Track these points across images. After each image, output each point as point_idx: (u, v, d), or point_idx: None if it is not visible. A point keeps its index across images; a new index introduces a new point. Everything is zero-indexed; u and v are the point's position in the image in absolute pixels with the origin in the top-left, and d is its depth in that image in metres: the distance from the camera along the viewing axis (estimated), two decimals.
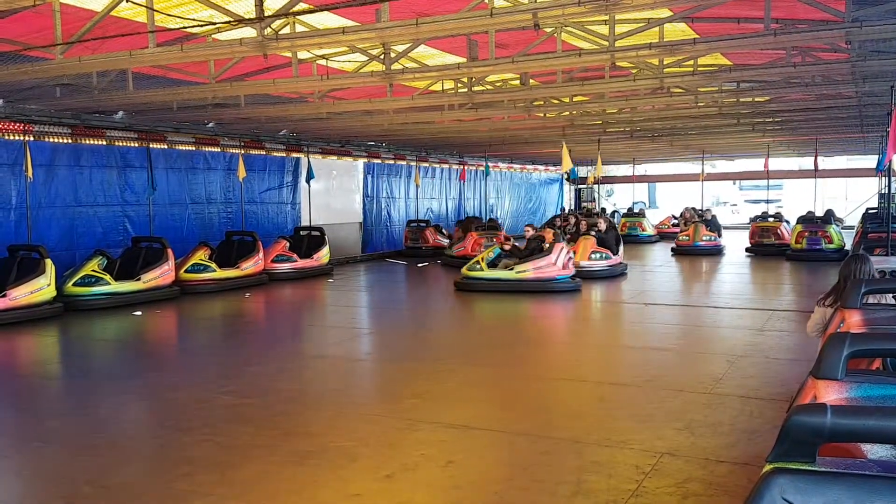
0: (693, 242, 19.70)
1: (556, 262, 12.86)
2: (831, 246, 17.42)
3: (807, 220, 18.43)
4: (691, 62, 10.09)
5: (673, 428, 5.19)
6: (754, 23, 8.16)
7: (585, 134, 18.04)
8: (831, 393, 2.09)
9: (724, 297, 12.40)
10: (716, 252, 19.60)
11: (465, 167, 24.83)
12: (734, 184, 35.17)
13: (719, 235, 19.98)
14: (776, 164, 31.68)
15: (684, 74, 10.12)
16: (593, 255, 14.68)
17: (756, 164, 32.94)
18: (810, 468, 1.39)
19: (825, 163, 26.31)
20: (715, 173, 34.04)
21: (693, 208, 25.23)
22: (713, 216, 21.10)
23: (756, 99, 12.95)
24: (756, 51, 9.80)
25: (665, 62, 9.81)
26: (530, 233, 14.18)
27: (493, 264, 13.18)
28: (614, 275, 14.74)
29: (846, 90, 11.27)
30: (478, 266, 13.08)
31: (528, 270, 12.79)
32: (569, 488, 4.15)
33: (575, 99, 12.96)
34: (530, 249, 13.46)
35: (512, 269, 12.76)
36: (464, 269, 13.25)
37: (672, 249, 20.14)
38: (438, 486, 4.29)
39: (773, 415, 5.39)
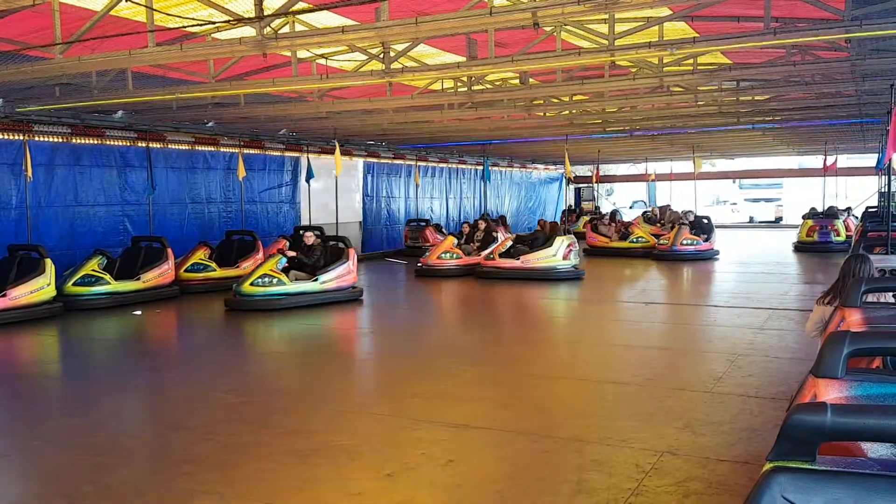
0: (671, 246, 17.87)
1: (347, 273, 11.84)
2: (839, 238, 19.27)
3: (816, 215, 20.34)
4: (691, 61, 10.08)
5: (673, 427, 5.20)
6: (754, 21, 8.16)
7: (585, 133, 18.04)
8: (831, 391, 2.09)
9: (723, 296, 12.40)
10: (703, 258, 17.61)
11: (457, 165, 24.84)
12: (734, 182, 35.15)
13: (708, 239, 18.02)
14: (776, 162, 31.71)
15: (684, 73, 10.11)
16: (443, 255, 15.30)
17: (755, 164, 32.99)
18: (810, 467, 1.39)
19: (821, 161, 26.30)
20: (714, 172, 34.09)
21: (668, 207, 23.98)
22: (697, 217, 19.02)
23: (756, 98, 12.94)
24: (756, 49, 9.80)
25: (665, 61, 9.81)
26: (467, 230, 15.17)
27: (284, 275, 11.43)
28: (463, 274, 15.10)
29: (846, 89, 11.27)
30: (263, 280, 11.07)
31: (332, 281, 11.64)
32: (569, 487, 4.15)
33: (574, 98, 12.95)
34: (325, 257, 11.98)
35: (317, 279, 11.45)
36: (244, 286, 11.09)
37: (652, 255, 18.21)
38: (440, 485, 4.29)
39: (774, 413, 5.40)
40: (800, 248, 19.61)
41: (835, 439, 1.42)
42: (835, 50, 9.52)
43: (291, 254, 11.66)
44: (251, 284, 11.03)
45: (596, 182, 28.54)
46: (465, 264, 15.41)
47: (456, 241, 15.84)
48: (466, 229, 16.94)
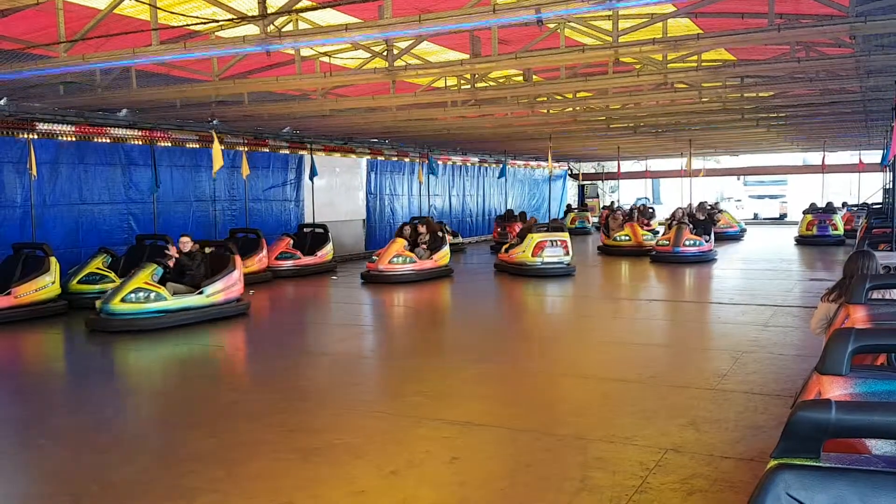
0: (673, 248, 16.46)
1: (234, 283, 10.38)
2: (836, 232, 20.58)
3: (816, 210, 21.41)
4: (695, 57, 10.06)
5: (677, 424, 5.19)
6: (758, 18, 8.14)
7: (589, 129, 18.01)
8: (836, 389, 2.09)
9: (727, 293, 12.37)
10: (704, 260, 16.41)
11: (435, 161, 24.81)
12: (738, 179, 35.09)
13: (708, 240, 16.78)
14: (781, 159, 31.63)
15: (688, 70, 10.09)
16: (395, 259, 13.88)
17: (760, 160, 32.90)
18: (815, 464, 1.39)
19: (829, 158, 26.41)
20: (719, 169, 34.03)
21: (644, 205, 22.97)
22: (688, 215, 17.61)
23: (760, 94, 12.91)
24: (760, 46, 9.76)
25: (669, 57, 9.79)
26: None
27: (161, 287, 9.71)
28: (421, 279, 13.98)
29: (850, 85, 11.23)
30: (137, 295, 9.34)
31: (219, 293, 10.08)
32: (573, 485, 4.15)
33: (578, 95, 12.93)
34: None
35: (202, 292, 9.81)
36: (114, 302, 9.29)
37: (651, 256, 16.92)
38: (443, 483, 4.29)
39: (778, 411, 5.38)
40: (800, 241, 20.85)
41: (839, 436, 1.42)
42: (839, 46, 9.49)
43: (171, 258, 9.93)
44: (122, 300, 9.21)
45: (619, 178, 28.14)
46: (420, 269, 14.10)
47: (406, 243, 14.39)
48: (408, 231, 14.99)
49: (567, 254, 14.65)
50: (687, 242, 16.39)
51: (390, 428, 5.33)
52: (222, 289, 10.10)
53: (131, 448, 5.07)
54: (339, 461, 4.61)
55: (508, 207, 26.65)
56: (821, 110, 14.86)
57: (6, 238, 11.43)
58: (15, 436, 5.49)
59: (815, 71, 10.56)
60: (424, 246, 14.60)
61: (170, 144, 14.41)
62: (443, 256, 14.72)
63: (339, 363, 7.80)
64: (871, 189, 28.04)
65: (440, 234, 15.00)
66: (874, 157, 25.38)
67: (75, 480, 4.48)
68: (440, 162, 23.60)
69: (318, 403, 6.10)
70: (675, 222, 17.33)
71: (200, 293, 9.80)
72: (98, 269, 11.39)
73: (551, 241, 14.64)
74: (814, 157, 31.88)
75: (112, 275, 11.42)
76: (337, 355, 8.25)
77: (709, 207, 21.57)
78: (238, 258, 10.59)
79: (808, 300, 10.58)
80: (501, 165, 23.39)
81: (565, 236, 14.90)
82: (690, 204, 19.72)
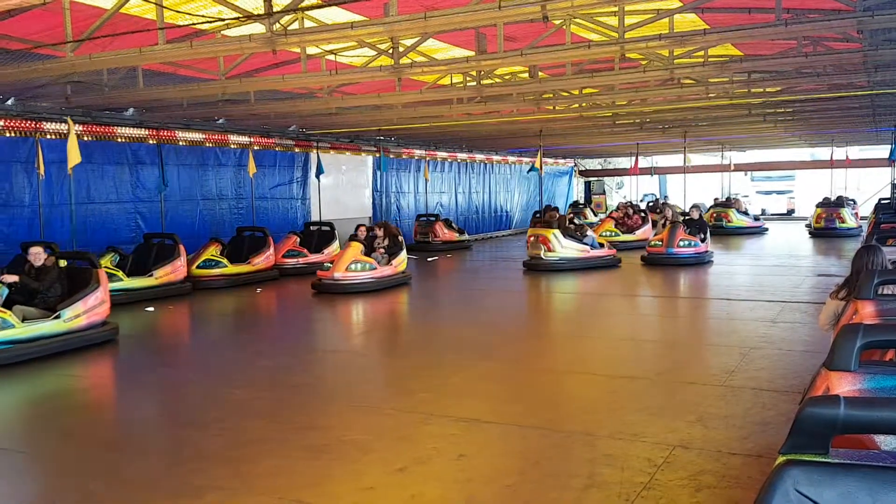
0: (666, 249, 15.18)
1: (99, 303, 8.47)
2: (843, 225, 21.84)
3: (826, 204, 22.71)
4: (701, 53, 10.03)
5: (685, 420, 5.18)
6: (765, 13, 8.10)
7: (595, 126, 17.98)
8: (844, 384, 2.09)
9: (735, 289, 12.34)
10: (699, 262, 15.17)
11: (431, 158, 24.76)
12: (745, 175, 34.93)
13: (703, 239, 15.43)
14: (788, 154, 31.50)
15: (695, 65, 10.06)
16: (353, 266, 12.32)
17: (768, 156, 32.78)
18: (823, 460, 1.39)
19: (837, 153, 26.41)
20: (724, 165, 33.87)
21: (629, 203, 22.00)
22: (674, 212, 17.01)
23: (767, 89, 12.87)
24: (767, 41, 9.73)
25: (675, 53, 9.76)
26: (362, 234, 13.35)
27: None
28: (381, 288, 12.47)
29: (858, 80, 11.18)
30: None
31: (80, 316, 8.25)
32: (581, 481, 4.15)
33: (584, 91, 12.91)
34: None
35: (59, 316, 7.98)
36: None
37: (642, 258, 15.64)
38: (451, 480, 4.30)
39: (786, 407, 5.37)
40: (813, 233, 22.19)
41: (848, 432, 1.42)
42: (847, 41, 9.45)
43: (11, 279, 7.96)
44: None
45: (637, 174, 27.58)
46: (381, 277, 12.55)
47: (363, 248, 12.82)
48: (363, 233, 13.62)
49: (550, 251, 14.62)
50: (682, 243, 15.19)
51: (398, 425, 5.34)
52: (84, 312, 8.27)
53: (141, 447, 5.09)
54: (347, 458, 4.62)
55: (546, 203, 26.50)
56: (828, 105, 14.80)
57: (14, 237, 11.47)
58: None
59: (823, 66, 10.52)
60: (382, 250, 13.07)
61: (177, 143, 14.45)
62: (401, 262, 13.18)
63: (346, 361, 7.82)
64: (874, 185, 28.07)
65: (399, 238, 13.51)
66: (882, 152, 25.33)
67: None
68: (448, 159, 23.60)
69: (325, 401, 6.11)
70: (668, 221, 16.54)
71: (57, 317, 7.97)
72: (106, 267, 11.42)
73: (535, 237, 14.88)
74: (822, 153, 31.78)
75: (120, 273, 11.47)
76: (344, 352, 8.26)
77: (704, 207, 21.39)
78: (102, 273, 8.82)
79: (817, 296, 10.54)
80: (537, 161, 22.22)
81: (549, 233, 14.71)
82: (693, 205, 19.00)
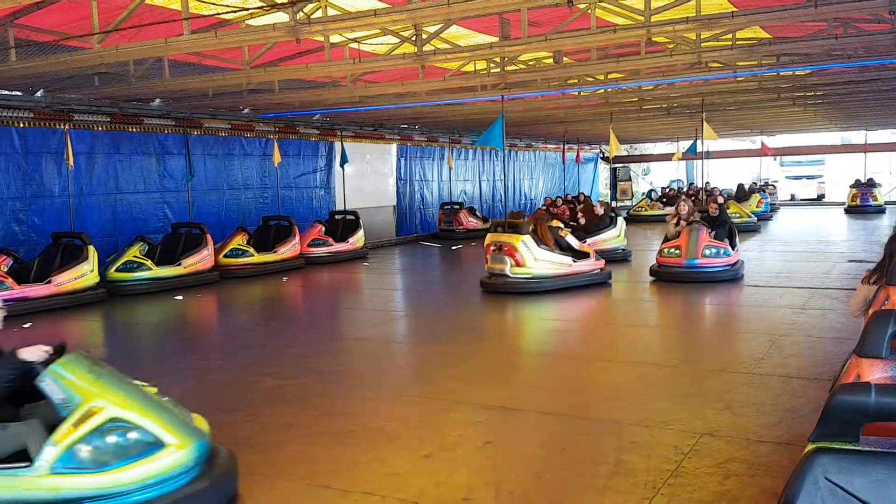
0: (685, 260, 11.08)
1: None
2: (876, 202, 24.97)
3: (859, 185, 25.48)
4: (729, 36, 9.87)
5: (713, 408, 5.15)
6: None
7: (621, 112, 17.81)
8: (875, 371, 2.06)
9: (764, 275, 12.18)
10: (732, 277, 11.16)
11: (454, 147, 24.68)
12: (775, 160, 34.45)
13: (734, 244, 11.45)
14: (819, 138, 30.99)
15: (722, 49, 9.91)
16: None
17: (798, 140, 32.25)
18: (854, 447, 1.37)
19: (870, 137, 26.31)
20: (754, 150, 33.43)
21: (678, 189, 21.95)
22: (690, 207, 12.24)
23: (797, 73, 12.65)
24: (796, 23, 9.55)
25: (702, 36, 9.62)
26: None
27: None
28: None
29: (890, 62, 10.94)
30: None
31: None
32: (608, 468, 4.14)
33: (610, 76, 12.78)
34: None
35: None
36: None
37: (651, 272, 11.57)
38: (477, 466, 4.32)
39: (816, 394, 5.31)
40: (848, 210, 24.97)
41: (879, 420, 1.40)
42: (878, 22, 9.24)
43: None
44: None
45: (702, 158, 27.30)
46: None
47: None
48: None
49: (519, 265, 10.45)
50: (708, 251, 11.11)
51: (424, 412, 5.36)
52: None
53: None
54: (373, 444, 4.66)
55: (580, 191, 26.96)
56: (860, 88, 14.52)
57: (45, 227, 11.68)
58: None
59: (854, 48, 10.31)
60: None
61: (203, 133, 14.58)
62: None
63: (372, 348, 7.86)
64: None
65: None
66: None
67: None
68: (469, 148, 23.52)
69: (352, 387, 6.15)
70: (682, 220, 11.93)
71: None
72: (135, 257, 11.59)
73: (495, 247, 10.72)
74: (852, 137, 31.21)
75: (149, 262, 11.63)
76: (370, 340, 8.31)
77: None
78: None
79: (847, 282, 10.39)
80: (599, 150, 20.94)
81: (515, 240, 10.52)
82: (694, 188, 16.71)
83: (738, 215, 18.89)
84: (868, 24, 9.46)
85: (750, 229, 19.10)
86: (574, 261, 10.90)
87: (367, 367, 7.01)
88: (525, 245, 10.48)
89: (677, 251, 11.27)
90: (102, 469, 3.28)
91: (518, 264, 10.47)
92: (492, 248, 10.82)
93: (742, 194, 24.23)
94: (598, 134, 26.01)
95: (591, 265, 11.13)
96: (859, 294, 4.58)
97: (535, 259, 10.51)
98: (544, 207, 19.81)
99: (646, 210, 25.83)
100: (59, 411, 3.36)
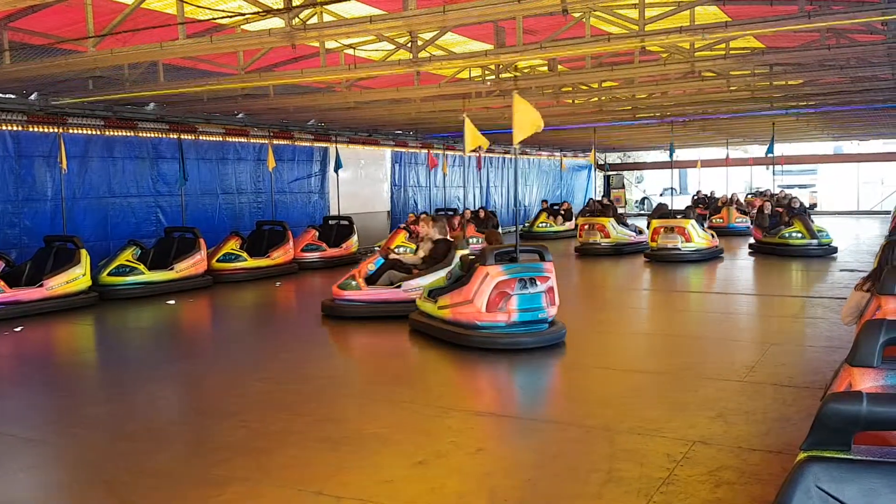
0: None
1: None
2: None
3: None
4: (723, 45, 9.93)
5: (705, 416, 5.15)
6: (788, 4, 8.00)
7: (615, 120, 17.86)
8: (867, 380, 2.07)
9: (757, 284, 12.24)
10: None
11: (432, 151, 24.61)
12: (767, 169, 34.57)
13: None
14: (810, 148, 31.16)
15: (716, 58, 9.96)
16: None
17: (788, 150, 32.40)
18: (845, 456, 1.38)
19: (860, 146, 26.27)
20: (747, 158, 33.57)
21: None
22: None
23: (789, 82, 12.72)
24: (789, 33, 9.62)
25: (696, 46, 9.67)
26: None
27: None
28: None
29: (882, 73, 11.02)
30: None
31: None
32: (600, 476, 4.15)
33: (604, 84, 12.83)
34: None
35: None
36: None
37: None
38: (470, 473, 4.31)
39: (808, 403, 5.33)
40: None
41: (870, 429, 1.41)
42: (871, 33, 9.31)
43: None
44: None
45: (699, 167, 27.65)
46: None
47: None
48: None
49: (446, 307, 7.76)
50: None
51: (417, 419, 5.36)
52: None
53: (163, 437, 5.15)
54: (366, 451, 4.65)
55: (591, 197, 26.82)
56: (852, 98, 14.61)
57: (37, 231, 11.64)
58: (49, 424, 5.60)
59: (846, 58, 10.38)
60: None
61: (197, 138, 14.56)
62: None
63: (367, 355, 7.85)
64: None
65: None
66: None
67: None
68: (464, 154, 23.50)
69: (345, 394, 6.14)
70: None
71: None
72: (128, 261, 11.55)
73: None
74: (844, 147, 31.40)
75: (142, 266, 11.59)
76: (363, 346, 8.29)
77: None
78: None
79: (839, 291, 10.43)
80: (596, 161, 20.66)
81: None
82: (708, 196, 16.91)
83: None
84: (860, 34, 9.53)
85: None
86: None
87: (361, 373, 7.00)
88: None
89: None
90: None
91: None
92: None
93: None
94: (592, 142, 26.06)
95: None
96: (851, 301, 4.61)
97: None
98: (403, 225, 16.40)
99: (545, 226, 21.75)
100: None
